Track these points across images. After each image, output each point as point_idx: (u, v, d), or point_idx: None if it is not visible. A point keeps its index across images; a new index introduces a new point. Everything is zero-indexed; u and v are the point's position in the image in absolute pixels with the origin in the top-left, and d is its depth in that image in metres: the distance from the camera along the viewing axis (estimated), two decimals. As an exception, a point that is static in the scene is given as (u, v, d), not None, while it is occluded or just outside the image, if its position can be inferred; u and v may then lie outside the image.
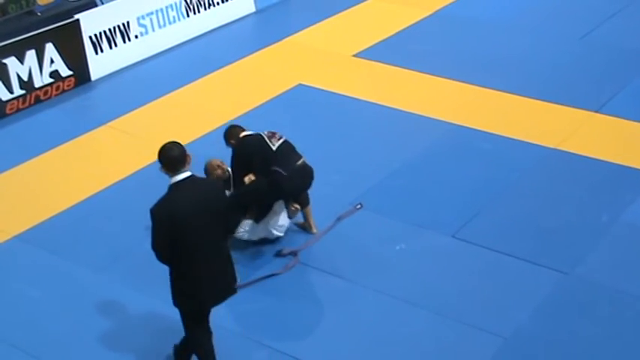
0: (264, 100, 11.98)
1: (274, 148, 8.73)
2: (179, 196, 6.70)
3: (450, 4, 15.03)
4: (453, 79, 12.50)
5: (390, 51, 13.42)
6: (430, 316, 8.19)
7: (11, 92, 11.96)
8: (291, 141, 8.95)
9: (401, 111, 11.71)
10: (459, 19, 14.54)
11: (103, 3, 13.71)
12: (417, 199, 9.87)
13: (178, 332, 7.99)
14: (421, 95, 12.17)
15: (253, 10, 15.14)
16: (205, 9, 14.40)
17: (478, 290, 8.51)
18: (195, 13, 14.26)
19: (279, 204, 8.95)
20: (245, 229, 8.94)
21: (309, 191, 9.13)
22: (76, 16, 12.75)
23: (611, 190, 9.96)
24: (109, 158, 10.85)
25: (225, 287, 7.13)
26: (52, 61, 12.35)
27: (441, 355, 7.78)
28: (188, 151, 6.80)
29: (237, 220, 8.83)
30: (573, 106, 11.69)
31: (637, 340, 7.88)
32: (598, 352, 7.75)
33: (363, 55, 13.36)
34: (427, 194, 9.97)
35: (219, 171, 9.13)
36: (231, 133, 9.11)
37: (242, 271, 8.77)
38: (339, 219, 9.50)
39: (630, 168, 10.30)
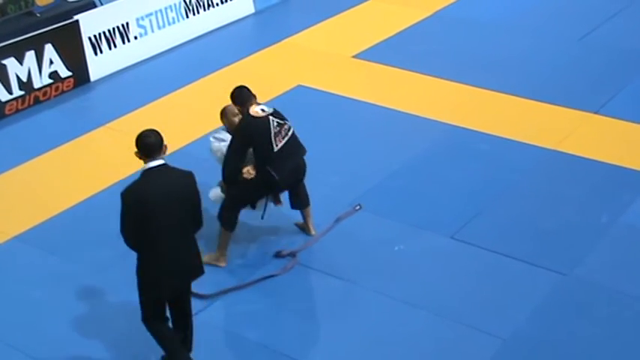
0: (263, 101, 11.83)
1: (275, 150, 8.60)
2: (149, 182, 6.85)
3: (450, 5, 15.04)
4: (453, 80, 12.51)
5: (390, 52, 13.43)
6: (429, 316, 8.20)
7: (10, 93, 11.96)
8: (296, 134, 8.81)
9: (400, 112, 11.72)
10: (459, 20, 14.54)
11: (102, 4, 13.72)
12: (416, 200, 9.88)
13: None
14: (420, 96, 12.17)
15: (252, 11, 15.15)
16: (204, 10, 14.41)
17: (477, 291, 8.52)
18: (194, 14, 14.27)
19: None
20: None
21: (310, 193, 9.13)
22: (76, 17, 12.77)
23: (610, 191, 9.97)
24: (108, 159, 10.85)
25: (188, 274, 7.22)
26: (51, 62, 12.35)
27: (440, 356, 7.78)
28: (165, 142, 6.93)
29: (234, 219, 8.79)
30: (572, 107, 11.70)
31: (636, 341, 7.88)
32: (597, 353, 7.76)
33: (362, 56, 13.37)
34: (426, 195, 9.97)
35: (236, 119, 8.86)
36: (241, 97, 8.72)
37: (241, 272, 8.81)
38: (338, 220, 9.50)
39: (629, 169, 10.31)
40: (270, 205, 9.06)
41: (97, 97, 12.63)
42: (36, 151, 10.97)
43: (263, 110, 8.72)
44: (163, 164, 6.90)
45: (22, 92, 12.07)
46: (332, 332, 8.11)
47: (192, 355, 7.55)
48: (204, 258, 8.84)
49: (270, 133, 8.57)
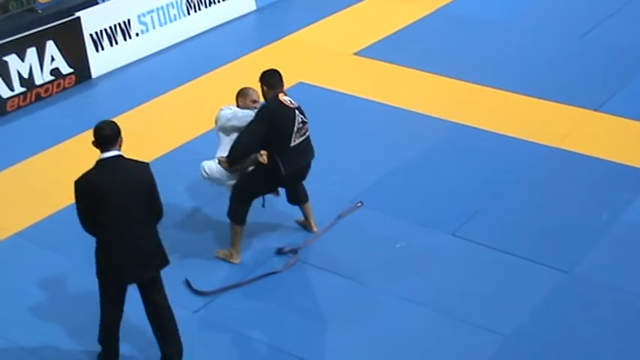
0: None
1: (292, 145, 8.52)
2: (101, 172, 7.06)
3: (451, 2, 15.03)
4: (454, 78, 12.51)
5: (391, 49, 13.43)
6: (430, 314, 8.20)
7: (12, 90, 11.96)
8: (310, 137, 8.77)
9: (401, 109, 11.72)
10: (460, 17, 14.54)
11: (103, 1, 13.70)
12: (418, 197, 9.89)
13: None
14: (421, 93, 12.18)
15: (254, 8, 15.14)
16: (206, 7, 14.40)
17: (478, 288, 8.53)
18: (195, 11, 14.26)
19: None
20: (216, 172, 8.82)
21: (309, 190, 9.13)
22: (77, 14, 12.76)
23: (611, 189, 9.98)
24: (109, 156, 10.84)
25: (143, 266, 7.28)
26: (52, 59, 12.35)
27: (441, 353, 7.79)
28: (122, 134, 7.12)
29: (244, 213, 8.76)
30: (573, 105, 11.70)
31: (637, 339, 7.89)
32: (598, 351, 7.77)
33: (363, 53, 13.37)
34: (427, 192, 9.98)
35: (255, 105, 8.75)
36: (273, 80, 8.55)
37: (242, 269, 8.82)
38: (339, 217, 9.51)
39: (630, 167, 10.32)
40: (271, 198, 9.06)
41: (99, 93, 12.63)
42: (37, 148, 10.97)
43: (292, 102, 8.63)
44: (118, 155, 7.09)
45: (23, 89, 12.07)
46: (333, 329, 8.12)
47: (194, 352, 7.56)
48: (218, 254, 8.91)
49: (294, 127, 8.49)
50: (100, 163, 7.09)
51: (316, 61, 13.24)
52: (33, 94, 12.19)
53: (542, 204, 9.76)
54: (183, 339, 7.62)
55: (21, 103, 12.08)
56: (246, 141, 8.47)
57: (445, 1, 15.07)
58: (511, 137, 10.98)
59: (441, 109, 11.64)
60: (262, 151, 8.47)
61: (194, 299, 8.41)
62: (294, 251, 8.99)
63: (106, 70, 13.05)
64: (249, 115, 8.63)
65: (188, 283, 8.56)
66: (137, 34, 13.45)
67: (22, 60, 12.03)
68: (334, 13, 14.82)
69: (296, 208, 9.25)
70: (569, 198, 9.85)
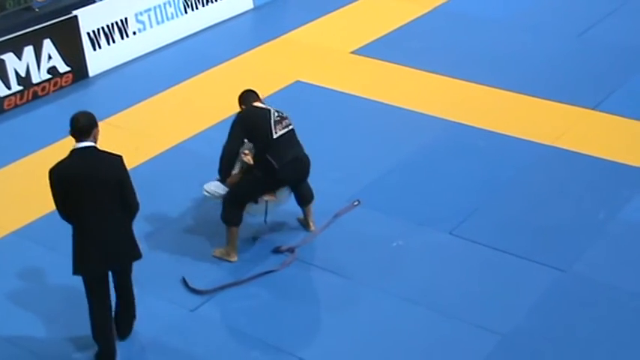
0: (262, 97, 11.96)
1: (275, 136, 8.60)
2: (74, 161, 7.25)
3: (448, 1, 15.02)
4: (451, 77, 12.51)
5: (388, 48, 13.42)
6: (427, 312, 8.21)
7: (9, 88, 11.96)
8: (295, 130, 8.84)
9: (399, 108, 11.72)
10: (457, 16, 14.54)
11: (100, -1, 13.71)
12: (415, 196, 9.89)
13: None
14: (419, 92, 12.18)
15: (251, 6, 15.14)
16: (203, 5, 14.40)
17: (475, 287, 8.53)
18: (193, 10, 14.26)
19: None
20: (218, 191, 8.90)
21: (313, 189, 9.14)
22: (74, 12, 12.75)
23: (609, 188, 9.98)
24: (106, 154, 10.84)
25: (112, 257, 7.41)
26: (49, 57, 12.34)
27: (438, 352, 7.79)
28: (97, 127, 7.30)
29: (237, 215, 8.77)
30: (571, 104, 11.70)
31: (634, 337, 7.89)
32: (595, 349, 7.77)
33: (360, 52, 13.37)
34: (424, 191, 9.98)
35: (245, 157, 8.89)
36: (246, 97, 8.95)
37: (240, 268, 8.81)
38: (336, 216, 9.51)
39: (627, 165, 10.32)
40: (271, 204, 9.05)
41: (96, 92, 12.62)
42: (34, 146, 10.96)
43: (265, 105, 8.86)
44: (90, 147, 7.24)
45: (20, 87, 12.06)
46: (330, 328, 8.12)
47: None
48: (215, 253, 8.89)
49: (270, 121, 8.63)
50: (73, 152, 7.29)
51: (313, 59, 13.24)
52: (30, 92, 12.18)
53: (540, 203, 9.76)
54: (179, 337, 7.68)
55: (18, 102, 12.07)
56: (228, 147, 8.71)
57: (442, -1, 15.11)
58: (508, 136, 10.98)
59: (438, 108, 11.64)
60: (245, 151, 8.66)
61: (191, 298, 8.41)
62: (291, 250, 8.99)
63: (103, 68, 13.05)
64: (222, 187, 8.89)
65: (185, 282, 8.56)
66: (134, 33, 13.44)
67: (19, 58, 12.02)
68: (331, 11, 14.82)
69: (295, 207, 9.24)
70: (567, 196, 9.85)
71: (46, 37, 12.30)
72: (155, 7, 13.72)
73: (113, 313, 7.69)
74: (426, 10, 14.72)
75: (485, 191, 9.95)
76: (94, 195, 7.20)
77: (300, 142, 8.89)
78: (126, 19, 13.32)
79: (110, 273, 7.55)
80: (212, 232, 9.14)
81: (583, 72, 12.64)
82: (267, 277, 8.68)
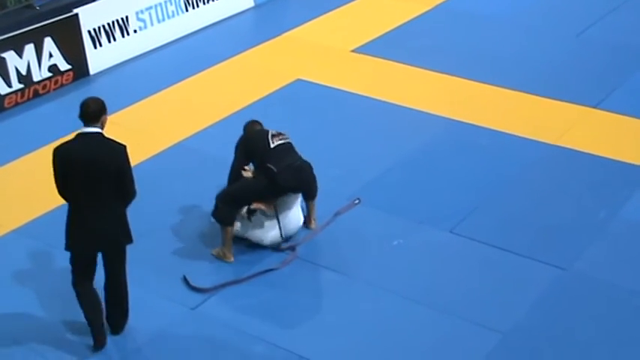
0: (262, 95, 11.98)
1: (272, 146, 8.80)
2: (78, 144, 7.37)
3: (449, -1, 15.07)
4: (452, 75, 12.51)
5: (389, 46, 13.43)
6: (427, 311, 8.21)
7: (10, 86, 11.96)
8: (293, 144, 8.98)
9: (399, 106, 11.72)
10: (458, 14, 14.54)
11: (101, -3, 13.71)
12: (415, 194, 9.89)
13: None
14: (419, 90, 12.18)
15: (252, 4, 15.14)
16: (204, 4, 14.40)
17: (476, 285, 8.53)
18: (194, 8, 14.26)
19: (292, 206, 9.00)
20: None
21: (319, 187, 9.15)
22: (75, 10, 12.75)
23: (609, 186, 9.98)
24: (107, 152, 10.83)
25: (104, 240, 7.50)
26: (50, 55, 12.35)
27: (439, 350, 7.79)
28: (106, 114, 7.49)
29: (229, 213, 8.79)
30: (571, 102, 11.71)
31: (634, 336, 7.89)
32: (595, 348, 7.77)
33: (361, 50, 13.37)
34: (425, 189, 9.98)
35: (245, 173, 9.04)
36: (249, 125, 9.33)
37: (240, 266, 8.81)
38: (337, 214, 9.51)
39: (628, 164, 10.32)
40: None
41: (97, 90, 12.54)
42: (35, 144, 10.96)
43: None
44: (97, 133, 7.37)
45: (21, 85, 12.07)
46: (330, 326, 8.12)
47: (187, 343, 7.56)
48: (212, 252, 8.90)
49: (268, 135, 8.91)
50: (79, 135, 7.41)
51: (314, 58, 13.24)
52: (31, 90, 12.19)
53: (540, 201, 9.76)
54: (180, 335, 7.65)
55: (19, 100, 12.08)
56: (233, 168, 9.01)
57: (443, -2, 15.11)
58: (509, 134, 10.98)
59: (439, 106, 11.64)
60: (246, 167, 8.91)
61: (192, 296, 8.41)
62: (292, 248, 8.99)
63: (104, 66, 13.05)
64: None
65: (186, 280, 8.56)
66: (135, 31, 13.44)
67: (20, 56, 12.02)
68: (332, 9, 14.82)
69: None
70: (567, 195, 9.85)
71: (46, 35, 12.31)
72: (156, 6, 13.72)
73: (103, 305, 7.73)
74: (427, 9, 14.73)
75: (486, 189, 9.95)
76: (91, 180, 7.28)
77: (299, 153, 8.97)
78: (127, 17, 13.31)
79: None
80: (213, 230, 9.13)
81: (584, 71, 12.64)
82: (268, 276, 8.68)
